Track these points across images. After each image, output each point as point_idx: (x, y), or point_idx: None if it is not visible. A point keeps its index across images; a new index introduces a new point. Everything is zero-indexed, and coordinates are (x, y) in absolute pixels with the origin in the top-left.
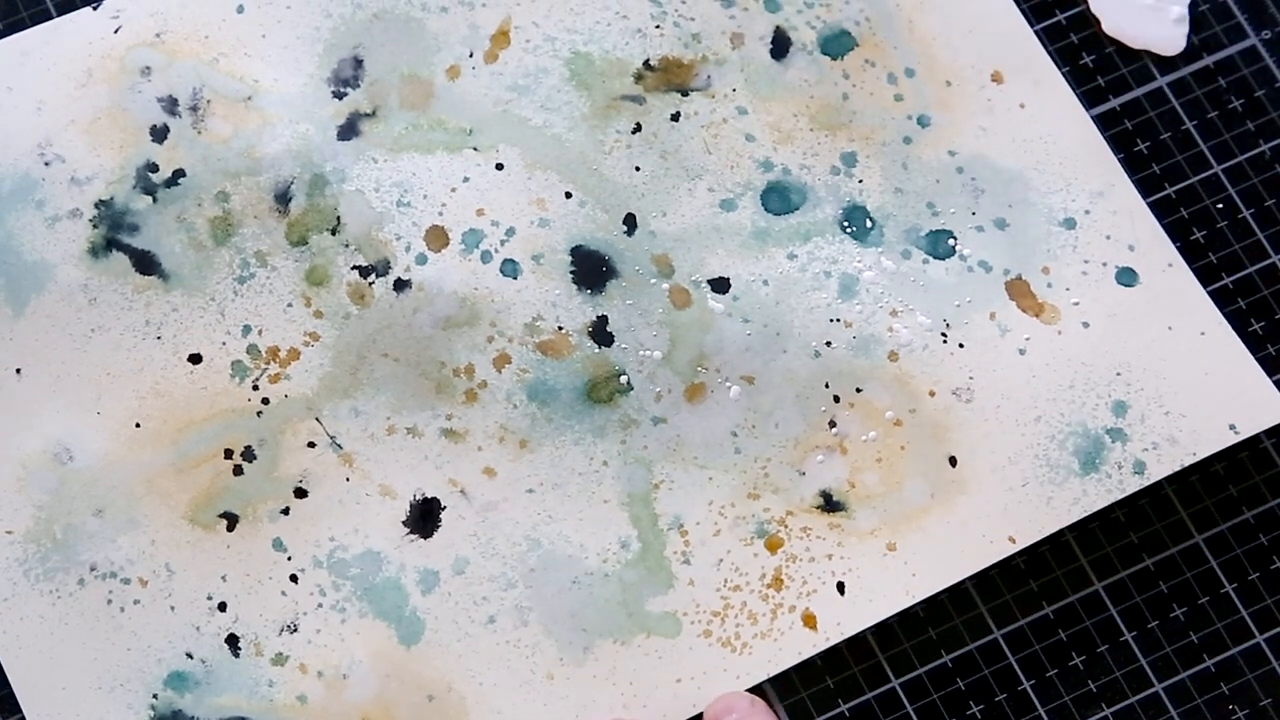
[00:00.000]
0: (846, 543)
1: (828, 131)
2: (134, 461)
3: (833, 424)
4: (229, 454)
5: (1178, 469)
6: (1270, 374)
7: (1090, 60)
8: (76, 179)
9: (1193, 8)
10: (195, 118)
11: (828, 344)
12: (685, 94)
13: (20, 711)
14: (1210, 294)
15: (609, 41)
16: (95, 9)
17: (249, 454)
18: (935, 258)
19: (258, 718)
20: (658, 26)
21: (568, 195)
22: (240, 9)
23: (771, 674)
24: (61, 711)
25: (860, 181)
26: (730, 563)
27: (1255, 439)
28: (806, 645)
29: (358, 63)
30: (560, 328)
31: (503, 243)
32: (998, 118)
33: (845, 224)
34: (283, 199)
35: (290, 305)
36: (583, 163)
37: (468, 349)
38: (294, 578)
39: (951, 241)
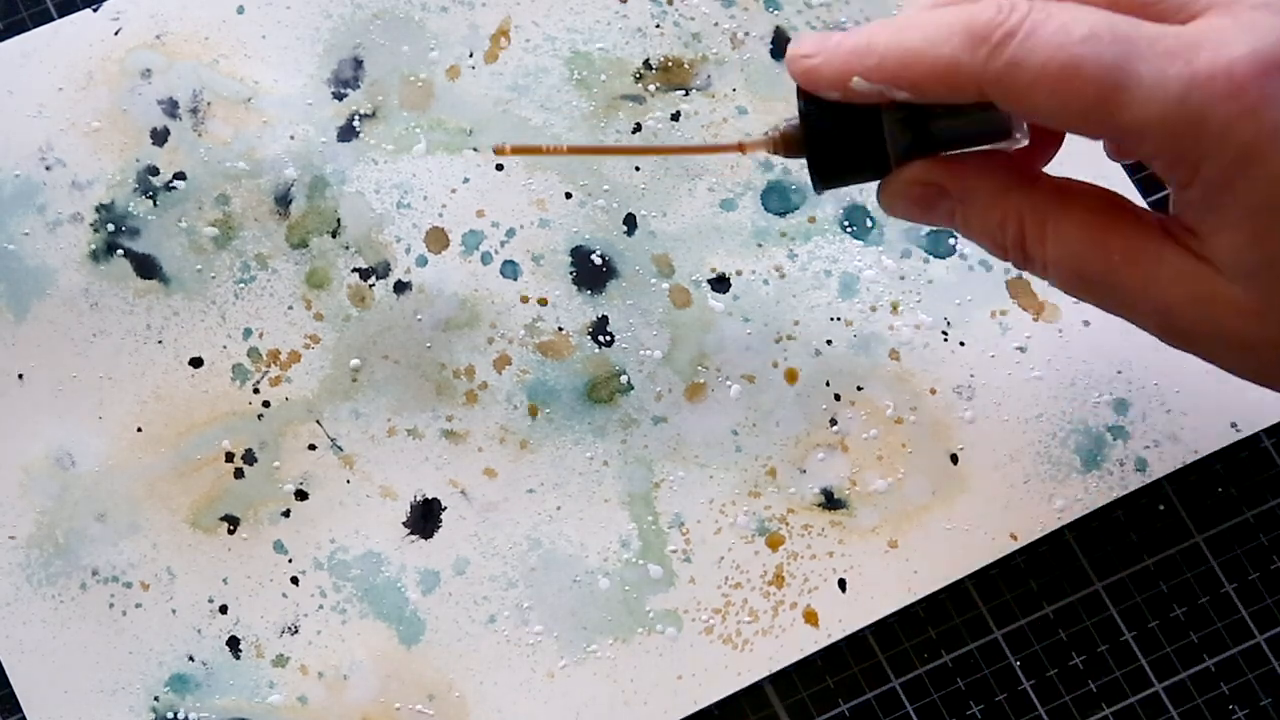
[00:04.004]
0: (848, 540)
1: None
2: (135, 465)
3: (834, 422)
4: (230, 457)
5: (1179, 466)
6: None
7: None
8: (77, 183)
9: None
10: (195, 120)
11: (828, 343)
12: (685, 93)
13: (21, 712)
14: None
15: (609, 41)
16: (95, 10)
17: (250, 457)
18: (935, 256)
19: (258, 719)
20: (658, 26)
21: (568, 195)
22: (240, 10)
23: (773, 670)
24: (64, 715)
25: None
26: (731, 560)
27: (1255, 438)
28: (808, 642)
29: (358, 63)
30: (560, 328)
31: (503, 244)
32: None
33: (845, 223)
34: (283, 201)
35: (291, 308)
36: (583, 163)
37: (468, 350)
38: (295, 579)
39: (952, 240)
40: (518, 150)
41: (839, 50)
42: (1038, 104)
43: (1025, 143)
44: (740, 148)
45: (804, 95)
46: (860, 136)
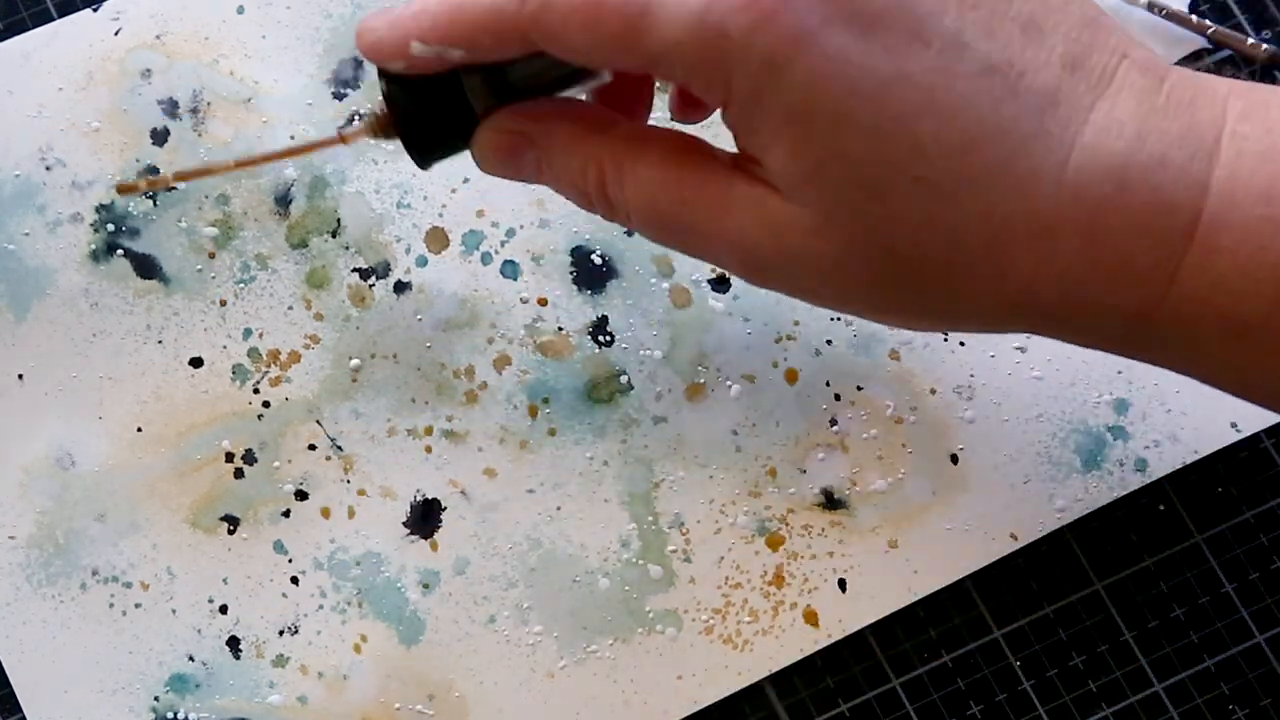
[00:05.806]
0: (848, 540)
1: None
2: (135, 466)
3: (834, 422)
4: (230, 457)
5: (1179, 466)
6: None
7: None
8: (77, 183)
9: (1193, 8)
10: (196, 120)
11: (828, 342)
12: None
13: (21, 712)
14: None
15: None
16: (95, 10)
17: (250, 457)
18: None
19: (258, 719)
20: None
21: None
22: (240, 10)
23: (773, 670)
24: (64, 715)
25: None
26: (731, 560)
27: (1255, 438)
28: (808, 642)
29: (358, 63)
30: (560, 328)
31: (503, 244)
32: None
33: None
34: (283, 201)
35: (291, 308)
36: None
37: (468, 350)
38: (295, 579)
39: None
40: (153, 184)
41: (400, 18)
42: (573, 42)
43: (608, 78)
44: (342, 139)
45: (384, 75)
46: (444, 105)
